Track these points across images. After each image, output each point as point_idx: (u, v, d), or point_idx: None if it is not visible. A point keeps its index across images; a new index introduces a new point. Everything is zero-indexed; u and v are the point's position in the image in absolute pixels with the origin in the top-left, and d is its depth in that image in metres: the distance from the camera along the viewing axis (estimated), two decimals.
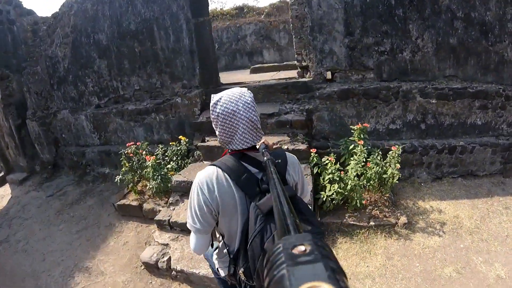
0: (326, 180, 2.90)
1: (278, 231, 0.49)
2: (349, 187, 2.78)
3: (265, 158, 0.94)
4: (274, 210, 0.57)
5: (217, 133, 1.06)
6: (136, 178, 3.42)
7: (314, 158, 3.02)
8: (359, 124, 3.20)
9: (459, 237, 2.83)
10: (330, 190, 2.82)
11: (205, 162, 3.37)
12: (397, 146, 3.02)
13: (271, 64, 7.20)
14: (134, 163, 3.33)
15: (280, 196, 0.59)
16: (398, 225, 2.87)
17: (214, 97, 1.02)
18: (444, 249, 2.69)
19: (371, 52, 3.58)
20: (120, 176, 3.32)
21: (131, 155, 3.40)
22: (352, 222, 2.84)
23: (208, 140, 3.50)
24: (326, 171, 2.94)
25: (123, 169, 3.39)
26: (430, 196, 3.48)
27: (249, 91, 1.06)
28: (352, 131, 3.20)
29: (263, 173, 1.01)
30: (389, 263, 2.55)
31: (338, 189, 2.77)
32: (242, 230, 1.01)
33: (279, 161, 1.06)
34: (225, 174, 1.01)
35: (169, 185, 3.13)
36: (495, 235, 2.84)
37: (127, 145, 3.46)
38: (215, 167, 1.03)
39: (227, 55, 9.66)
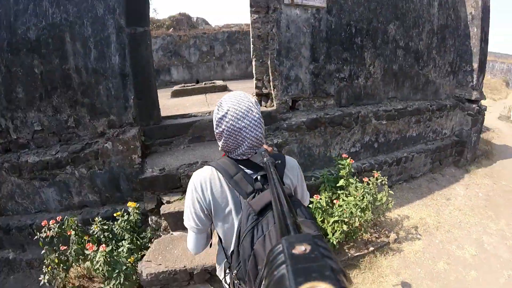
0: (330, 224, 2.63)
1: (278, 231, 0.47)
2: (356, 224, 2.70)
3: (264, 159, 0.91)
4: (274, 210, 0.55)
5: (220, 144, 1.02)
6: (70, 272, 2.24)
7: None
8: (341, 155, 3.05)
9: (432, 234, 3.28)
10: (337, 231, 2.60)
11: (175, 234, 2.42)
12: (378, 172, 2.97)
13: (196, 86, 5.96)
14: (61, 252, 2.15)
15: (280, 196, 0.58)
16: (390, 243, 3.01)
17: (219, 110, 0.96)
18: (428, 248, 3.06)
19: (333, 78, 3.45)
20: (46, 276, 2.08)
21: (53, 235, 2.21)
22: (355, 254, 2.80)
23: (169, 201, 2.46)
24: (328, 214, 2.66)
25: (47, 260, 2.15)
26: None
27: (256, 102, 1.00)
28: (340, 165, 3.00)
29: (258, 174, 0.98)
30: (399, 278, 2.70)
31: (344, 229, 2.61)
32: (237, 231, 0.94)
33: (279, 161, 1.04)
34: (219, 174, 0.99)
35: (137, 280, 2.08)
36: (452, 224, 3.48)
37: (42, 223, 2.20)
38: (211, 167, 1.02)
39: None
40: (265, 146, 1.08)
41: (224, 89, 5.76)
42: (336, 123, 3.45)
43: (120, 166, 2.80)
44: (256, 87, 3.30)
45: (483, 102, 5.13)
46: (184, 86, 5.91)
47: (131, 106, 2.83)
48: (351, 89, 3.64)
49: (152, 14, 10.09)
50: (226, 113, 0.94)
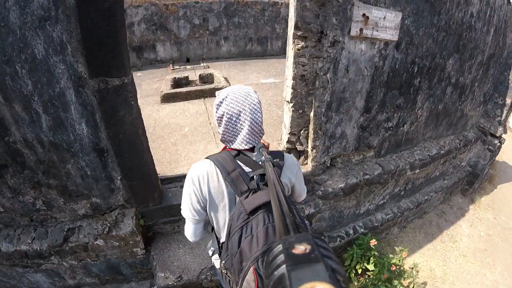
0: None
1: (277, 231, 0.45)
2: None
3: (263, 157, 0.90)
4: (274, 210, 0.55)
5: (220, 131, 1.02)
6: None
7: None
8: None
9: None
10: None
11: None
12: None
13: (192, 89, 4.67)
14: None
15: (280, 196, 0.58)
16: None
17: (219, 95, 0.99)
18: None
19: (380, 129, 2.83)
20: None
21: None
22: None
23: None
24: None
25: None
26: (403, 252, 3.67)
27: (254, 90, 1.03)
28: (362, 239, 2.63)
29: (255, 172, 0.98)
30: None
31: None
32: (228, 226, 0.97)
33: (277, 160, 1.04)
34: (217, 169, 0.99)
35: None
36: (456, 274, 3.50)
37: None
38: (210, 160, 1.02)
39: None
40: (262, 141, 1.11)
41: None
42: (374, 182, 2.94)
43: (120, 258, 2.12)
44: (289, 141, 2.59)
45: None
46: (177, 90, 4.71)
47: (119, 188, 1.98)
48: (394, 137, 3.07)
49: None
50: (226, 97, 0.96)
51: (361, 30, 2.13)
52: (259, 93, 4.83)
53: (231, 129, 0.97)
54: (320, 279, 0.25)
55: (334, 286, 0.24)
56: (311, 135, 2.48)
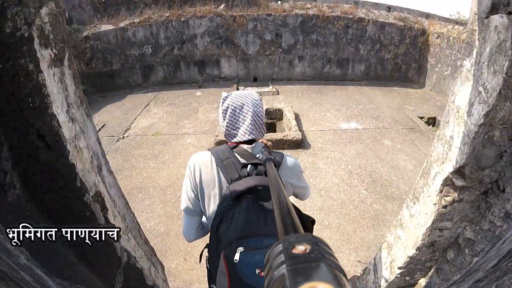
0: None
1: (277, 231, 0.43)
2: None
3: (264, 157, 0.92)
4: (274, 210, 0.50)
5: (223, 126, 1.07)
6: None
7: None
8: None
9: None
10: None
11: None
12: None
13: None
14: None
15: (280, 196, 0.54)
16: None
17: (224, 94, 1.06)
18: None
19: None
20: None
21: None
22: None
23: None
24: None
25: None
26: None
27: (258, 94, 1.17)
28: None
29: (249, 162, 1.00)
30: None
31: None
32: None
33: (278, 160, 1.03)
34: (213, 157, 1.01)
35: None
36: None
37: None
38: (208, 151, 1.05)
39: (166, 64, 6.14)
40: (264, 141, 1.13)
41: (299, 144, 3.94)
42: None
43: None
44: None
45: None
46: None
47: None
48: None
49: None
50: (229, 94, 1.05)
51: None
52: (335, 147, 3.85)
53: (235, 120, 1.03)
54: (320, 279, 0.24)
55: (334, 286, 0.23)
56: None
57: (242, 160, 1.00)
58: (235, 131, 1.03)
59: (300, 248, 0.29)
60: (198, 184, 1.01)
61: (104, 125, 4.61)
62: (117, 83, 5.96)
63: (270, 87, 6.22)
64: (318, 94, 5.78)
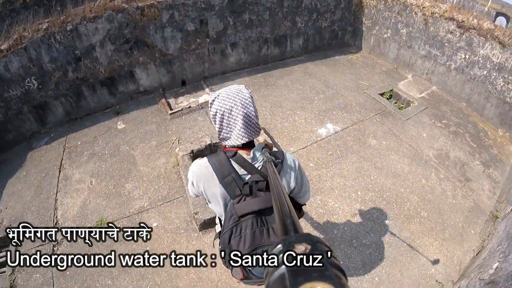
0: None
1: (278, 231, 0.45)
2: None
3: (264, 158, 0.94)
4: (274, 210, 0.55)
5: (216, 129, 1.06)
6: None
7: None
8: None
9: None
10: None
11: None
12: None
13: None
14: None
15: (280, 197, 0.57)
16: None
17: (212, 95, 1.04)
18: None
19: None
20: None
21: None
22: None
23: None
24: None
25: None
26: None
27: (247, 88, 1.08)
28: None
29: (249, 176, 1.02)
30: None
31: None
32: (223, 219, 1.08)
33: (278, 160, 1.05)
34: (214, 172, 1.03)
35: None
36: None
37: None
38: (207, 162, 1.07)
39: (62, 95, 4.04)
40: (263, 141, 1.16)
41: None
42: None
43: None
44: None
45: None
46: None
47: None
48: None
49: None
50: (218, 96, 1.02)
51: None
52: (332, 170, 3.37)
53: (225, 125, 1.02)
54: (320, 279, 0.24)
55: (333, 286, 0.23)
56: None
57: (242, 171, 1.03)
58: (228, 135, 1.04)
59: (300, 248, 0.30)
60: (203, 192, 1.12)
61: (13, 228, 2.90)
62: (7, 139, 3.86)
63: (206, 89, 5.05)
64: (267, 88, 4.97)
